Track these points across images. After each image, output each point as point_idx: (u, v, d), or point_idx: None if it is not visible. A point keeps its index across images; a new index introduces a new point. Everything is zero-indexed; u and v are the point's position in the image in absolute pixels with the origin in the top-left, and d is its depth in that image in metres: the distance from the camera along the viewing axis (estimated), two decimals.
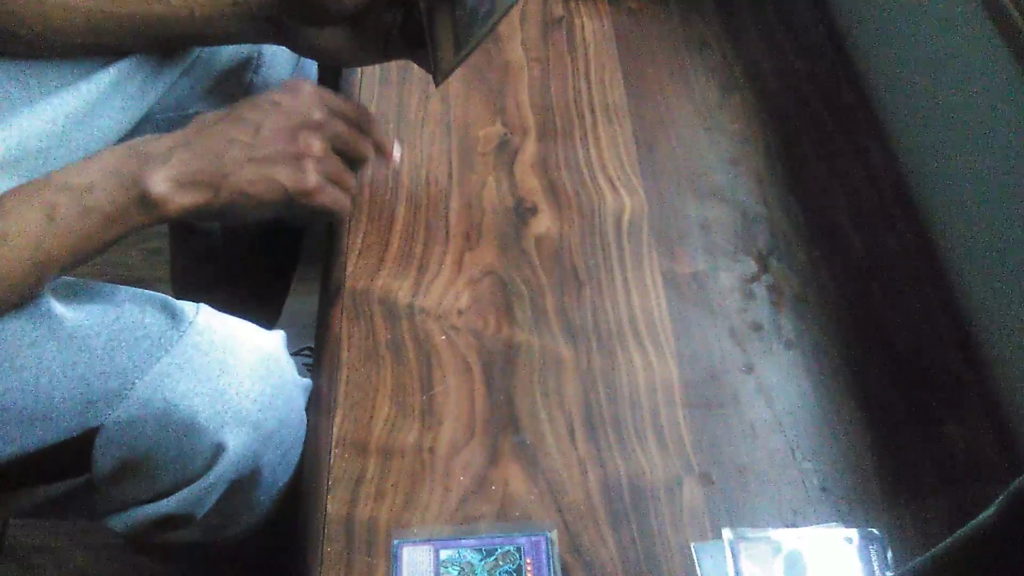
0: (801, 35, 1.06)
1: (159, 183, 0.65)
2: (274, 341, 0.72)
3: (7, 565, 1.16)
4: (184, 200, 0.67)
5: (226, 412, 0.67)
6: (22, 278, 0.64)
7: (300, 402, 0.74)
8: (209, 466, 0.69)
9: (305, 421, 0.75)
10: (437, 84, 0.81)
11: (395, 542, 0.66)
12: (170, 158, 0.66)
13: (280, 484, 0.77)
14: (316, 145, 0.72)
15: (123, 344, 0.67)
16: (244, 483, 0.72)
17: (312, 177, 0.71)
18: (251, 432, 0.68)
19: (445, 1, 0.74)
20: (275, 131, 0.70)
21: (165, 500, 0.72)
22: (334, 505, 0.69)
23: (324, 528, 0.68)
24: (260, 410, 0.69)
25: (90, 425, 0.68)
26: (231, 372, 0.67)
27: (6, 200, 0.63)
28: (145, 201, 0.65)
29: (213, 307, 0.71)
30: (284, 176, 0.70)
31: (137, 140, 0.68)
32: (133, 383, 0.66)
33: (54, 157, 0.73)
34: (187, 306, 0.70)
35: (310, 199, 0.72)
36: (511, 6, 0.78)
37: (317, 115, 0.73)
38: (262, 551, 0.85)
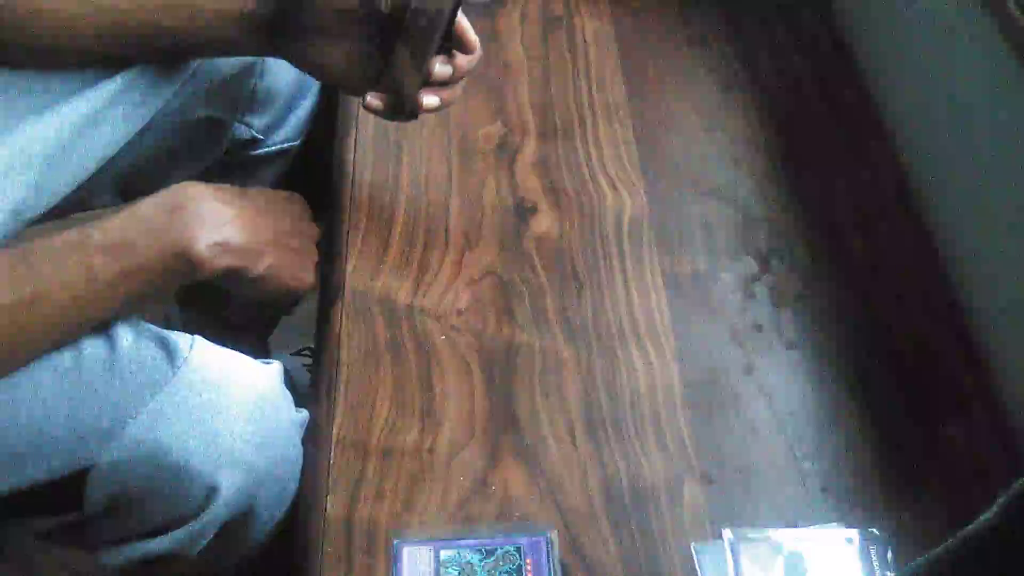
0: (802, 34, 1.06)
1: (203, 249, 0.67)
2: (269, 378, 0.71)
3: (8, 564, 1.16)
4: (223, 262, 0.68)
5: (219, 455, 0.66)
6: (61, 336, 0.65)
7: (296, 439, 0.73)
8: (202, 508, 0.67)
9: (301, 456, 0.73)
10: (415, 117, 0.79)
11: (395, 542, 0.66)
12: (216, 224, 0.68)
13: (276, 518, 0.75)
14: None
15: (117, 380, 0.66)
16: (238, 522, 0.71)
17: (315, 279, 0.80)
18: (245, 475, 0.67)
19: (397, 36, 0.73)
20: (309, 234, 0.79)
21: (158, 540, 0.70)
22: (334, 506, 0.69)
23: (324, 529, 0.68)
24: (254, 452, 0.67)
25: (82, 465, 0.66)
26: (225, 413, 0.66)
27: (43, 259, 0.63)
28: (186, 261, 0.67)
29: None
30: (306, 272, 0.77)
31: (178, 190, 0.69)
32: (126, 422, 0.65)
33: (57, 164, 0.72)
34: (182, 340, 0.69)
35: (301, 294, 0.80)
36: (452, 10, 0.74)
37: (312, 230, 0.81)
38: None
